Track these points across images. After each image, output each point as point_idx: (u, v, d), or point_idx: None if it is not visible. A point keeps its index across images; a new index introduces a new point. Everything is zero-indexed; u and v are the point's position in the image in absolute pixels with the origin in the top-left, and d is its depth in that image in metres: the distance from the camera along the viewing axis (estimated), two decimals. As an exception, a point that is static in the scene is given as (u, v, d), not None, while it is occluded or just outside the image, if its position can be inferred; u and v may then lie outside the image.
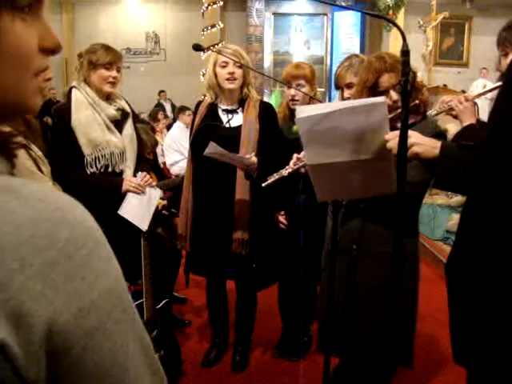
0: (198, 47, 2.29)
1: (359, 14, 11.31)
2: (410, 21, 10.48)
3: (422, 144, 1.33)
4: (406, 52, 1.17)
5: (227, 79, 2.52)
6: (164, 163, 6.01)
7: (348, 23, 11.50)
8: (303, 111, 1.45)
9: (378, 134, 1.44)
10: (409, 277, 1.98)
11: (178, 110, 6.82)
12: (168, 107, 10.81)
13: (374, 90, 1.89)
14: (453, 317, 1.50)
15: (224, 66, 2.52)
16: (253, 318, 2.90)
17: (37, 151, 1.69)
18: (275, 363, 2.91)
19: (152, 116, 8.64)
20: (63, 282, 0.42)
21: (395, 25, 1.21)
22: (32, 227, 0.42)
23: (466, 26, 11.97)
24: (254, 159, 2.45)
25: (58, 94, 10.45)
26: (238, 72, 2.53)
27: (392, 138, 1.38)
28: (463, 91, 9.03)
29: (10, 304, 0.40)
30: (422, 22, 9.77)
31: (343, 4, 11.49)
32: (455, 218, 5.39)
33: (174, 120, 8.27)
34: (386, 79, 1.88)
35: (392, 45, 10.42)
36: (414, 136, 1.34)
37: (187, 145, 6.57)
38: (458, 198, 6.29)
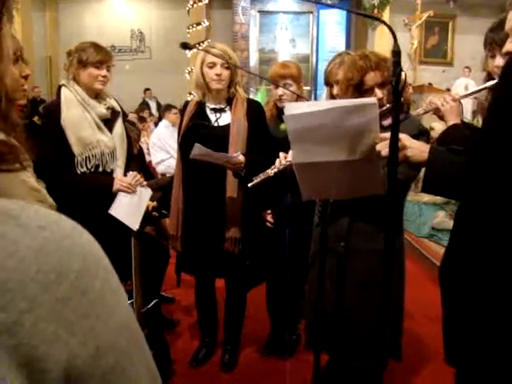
0: (185, 45, 2.28)
1: (345, 12, 11.37)
2: (395, 19, 10.55)
3: (412, 147, 1.34)
4: (396, 52, 1.18)
5: (214, 80, 2.51)
6: (150, 162, 6.00)
7: (333, 21, 11.56)
8: (291, 109, 1.44)
9: (367, 135, 1.44)
10: (395, 273, 2.00)
11: (164, 109, 6.79)
12: (153, 105, 10.77)
13: (359, 88, 1.90)
14: (446, 319, 1.52)
15: (211, 67, 2.51)
16: (242, 316, 2.90)
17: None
18: (264, 362, 2.92)
19: (138, 114, 8.59)
20: (78, 320, 0.38)
21: (386, 24, 1.22)
22: (38, 260, 0.37)
23: (450, 25, 12.08)
24: (241, 158, 2.45)
25: (42, 91, 10.35)
26: (225, 73, 2.52)
27: (381, 141, 1.39)
28: (448, 89, 9.12)
29: (20, 351, 0.35)
30: (406, 21, 9.84)
31: (329, 2, 11.53)
32: (440, 215, 5.45)
33: (160, 118, 8.24)
34: (370, 77, 1.89)
35: (377, 43, 10.49)
36: (404, 139, 1.35)
37: (173, 143, 6.60)
38: (443, 196, 6.35)
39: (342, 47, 11.31)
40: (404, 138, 1.36)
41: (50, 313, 0.37)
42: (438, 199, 6.22)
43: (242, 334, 2.97)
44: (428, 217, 5.40)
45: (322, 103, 1.52)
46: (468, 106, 9.08)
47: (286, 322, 2.95)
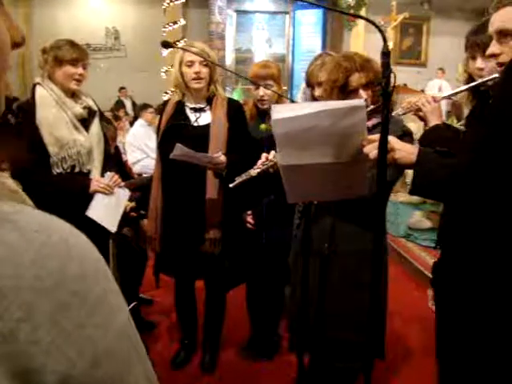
0: (166, 44, 2.25)
1: (320, 12, 11.41)
2: (371, 20, 10.62)
3: (400, 150, 1.34)
4: (386, 54, 1.17)
5: (193, 79, 2.49)
6: (126, 161, 5.92)
7: (309, 22, 11.60)
8: (278, 111, 1.42)
9: (355, 137, 1.43)
10: (382, 272, 2.00)
11: (140, 108, 6.72)
12: (128, 104, 10.64)
13: (343, 89, 1.90)
14: (439, 318, 1.53)
15: (190, 66, 2.48)
16: (222, 318, 2.88)
17: None
18: (245, 363, 2.90)
19: (113, 113, 8.49)
20: (76, 328, 0.37)
21: (375, 26, 1.21)
22: (35, 265, 0.36)
23: (424, 27, 12.24)
24: (223, 158, 2.43)
25: (14, 89, 10.15)
26: (205, 71, 2.50)
27: (369, 143, 1.38)
28: (422, 91, 9.23)
29: (16, 361, 0.34)
30: (382, 22, 9.90)
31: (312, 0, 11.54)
32: (417, 214, 5.51)
33: (135, 118, 8.14)
34: (355, 79, 1.89)
35: (353, 44, 10.56)
36: (392, 141, 1.34)
37: (149, 143, 6.52)
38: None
39: (317, 48, 11.36)
40: (392, 140, 1.35)
41: (47, 321, 0.35)
42: (414, 199, 6.28)
43: (222, 336, 2.94)
44: (404, 217, 5.45)
45: (310, 105, 1.50)
46: (442, 106, 9.20)
47: (266, 324, 2.95)
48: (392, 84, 1.22)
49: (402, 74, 11.51)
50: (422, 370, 2.81)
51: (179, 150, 2.29)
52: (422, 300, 3.98)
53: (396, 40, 11.26)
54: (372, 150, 1.34)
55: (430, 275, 4.43)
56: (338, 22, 11.40)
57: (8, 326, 0.34)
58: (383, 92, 1.21)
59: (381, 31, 1.16)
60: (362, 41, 10.53)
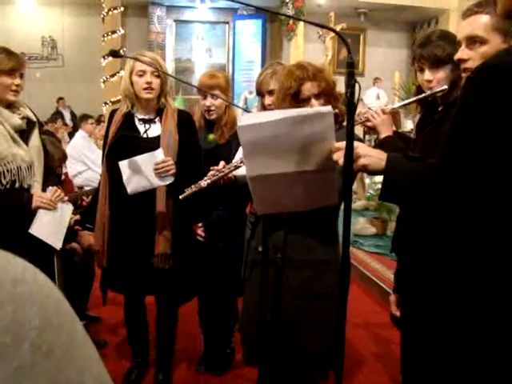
0: (114, 53, 2.19)
1: (260, 22, 11.55)
2: (310, 31, 10.85)
3: (369, 155, 1.32)
4: (350, 64, 1.18)
5: (144, 89, 2.43)
6: (66, 174, 5.73)
7: (249, 32, 11.71)
8: (244, 119, 1.40)
9: (324, 145, 1.42)
10: (335, 283, 2.00)
11: (80, 119, 6.54)
12: (67, 115, 10.34)
13: (296, 97, 1.90)
14: (406, 324, 1.54)
15: (141, 75, 2.42)
16: (174, 333, 2.80)
17: None
18: (199, 379, 2.83)
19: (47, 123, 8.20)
20: None
21: (339, 35, 1.21)
22: None
23: (361, 38, 12.63)
24: (161, 154, 2.38)
25: None
26: (156, 81, 2.44)
27: (338, 149, 1.38)
28: (361, 99, 9.49)
29: None
30: (321, 33, 10.13)
31: (244, 13, 11.69)
32: (361, 221, 5.64)
33: (74, 129, 7.90)
34: (308, 87, 1.90)
35: (293, 54, 10.72)
36: (360, 147, 1.33)
37: (91, 154, 6.30)
38: (361, 203, 6.57)
39: (257, 57, 11.50)
40: (360, 146, 1.35)
41: None
42: (358, 206, 6.43)
43: (175, 351, 2.87)
44: (349, 223, 5.55)
45: (276, 113, 1.48)
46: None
47: (219, 336, 2.90)
48: (357, 94, 1.23)
49: (340, 84, 11.81)
50: (374, 376, 2.85)
51: (125, 166, 2.27)
52: (368, 305, 4.05)
53: (334, 50, 11.54)
54: (341, 158, 1.33)
55: (376, 280, 4.50)
56: (277, 32, 11.57)
57: None
58: (348, 102, 1.21)
59: (344, 41, 1.17)
60: (302, 51, 10.71)
